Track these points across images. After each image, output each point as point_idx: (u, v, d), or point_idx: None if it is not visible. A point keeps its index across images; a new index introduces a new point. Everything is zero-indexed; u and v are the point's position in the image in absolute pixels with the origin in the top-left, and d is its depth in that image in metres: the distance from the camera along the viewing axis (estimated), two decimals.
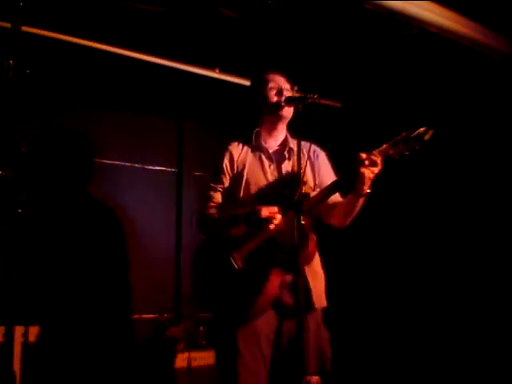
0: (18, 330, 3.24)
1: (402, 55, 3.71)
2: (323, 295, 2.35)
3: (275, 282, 2.19)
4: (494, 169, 3.69)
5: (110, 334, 3.87)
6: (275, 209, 2.19)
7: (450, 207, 3.89)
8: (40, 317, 3.52)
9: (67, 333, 3.63)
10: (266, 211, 2.17)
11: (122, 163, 4.23)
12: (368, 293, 4.36)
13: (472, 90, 3.74)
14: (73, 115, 3.98)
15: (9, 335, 3.14)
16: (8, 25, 2.57)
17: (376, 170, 2.11)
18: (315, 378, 2.24)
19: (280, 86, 2.40)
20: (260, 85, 2.45)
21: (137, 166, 4.31)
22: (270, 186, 2.36)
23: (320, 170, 2.46)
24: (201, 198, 2.49)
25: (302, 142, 2.20)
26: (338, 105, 2.16)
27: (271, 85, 2.40)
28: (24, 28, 2.65)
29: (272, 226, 2.17)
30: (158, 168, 4.43)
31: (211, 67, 4.05)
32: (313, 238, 2.29)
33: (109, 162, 4.15)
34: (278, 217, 2.17)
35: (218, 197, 2.43)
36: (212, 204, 2.42)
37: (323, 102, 2.09)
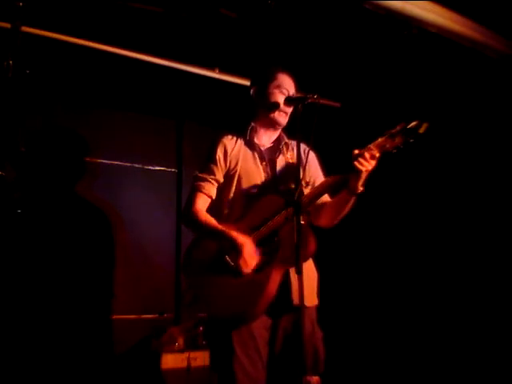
0: None
1: (401, 55, 3.71)
2: (315, 293, 2.32)
3: (276, 282, 2.16)
4: (489, 165, 3.70)
5: (110, 335, 3.88)
6: (254, 261, 2.15)
7: (441, 204, 3.90)
8: (39, 316, 3.53)
9: (65, 333, 3.63)
10: (246, 254, 2.14)
11: (122, 163, 4.23)
12: (361, 291, 4.35)
13: (470, 88, 3.75)
14: (72, 115, 3.98)
15: None
16: (8, 25, 2.58)
17: (371, 165, 2.08)
18: (315, 378, 2.23)
19: (286, 88, 2.35)
20: (265, 80, 2.39)
21: (137, 166, 4.31)
22: (263, 182, 2.33)
23: (310, 169, 2.44)
24: (190, 190, 2.39)
25: (293, 141, 2.17)
26: (338, 105, 2.16)
27: (277, 84, 2.35)
28: (24, 28, 2.66)
29: (243, 271, 2.15)
30: (158, 168, 4.43)
31: (211, 67, 4.05)
32: (313, 237, 2.25)
33: (108, 161, 4.16)
34: (248, 271, 2.15)
35: (208, 188, 2.33)
36: (202, 195, 2.33)
37: (323, 102, 2.07)
